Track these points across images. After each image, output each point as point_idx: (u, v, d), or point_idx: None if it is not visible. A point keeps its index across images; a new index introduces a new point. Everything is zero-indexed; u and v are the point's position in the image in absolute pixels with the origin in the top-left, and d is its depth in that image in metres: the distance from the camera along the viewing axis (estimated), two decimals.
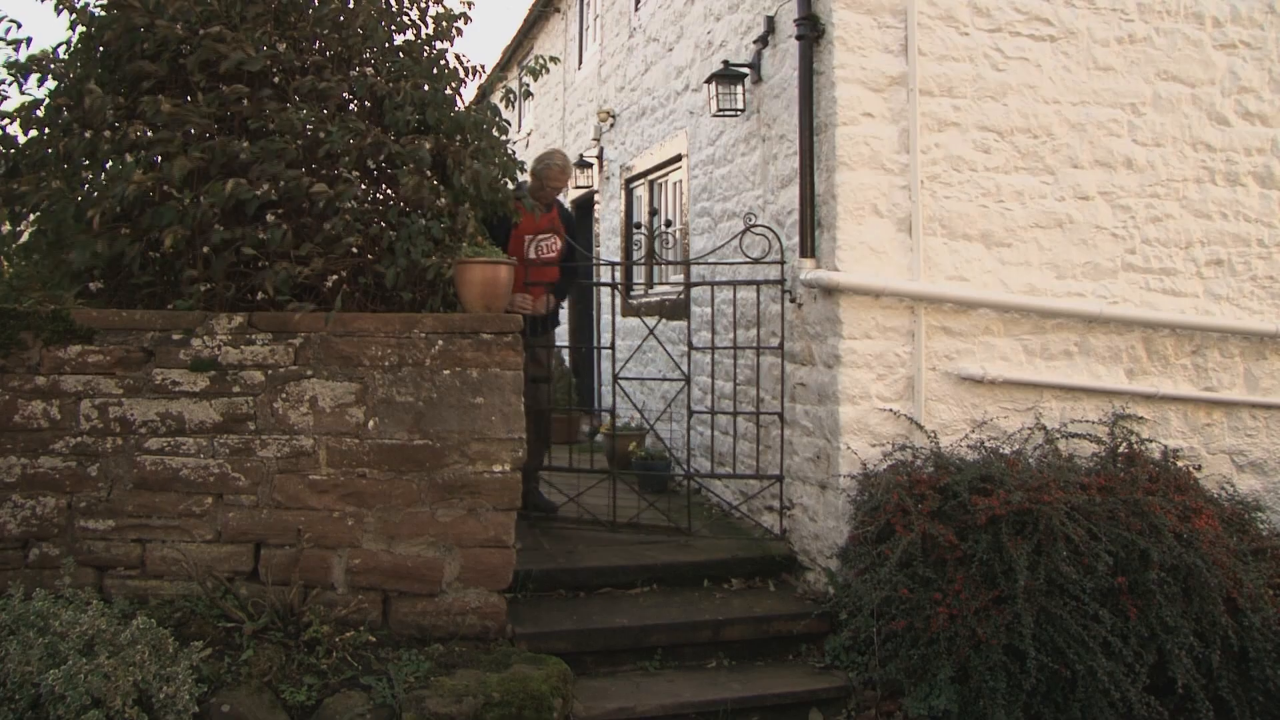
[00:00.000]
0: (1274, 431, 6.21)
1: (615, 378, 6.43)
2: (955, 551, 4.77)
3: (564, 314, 11.73)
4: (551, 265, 6.58)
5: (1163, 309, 5.97)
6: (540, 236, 6.50)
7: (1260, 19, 6.32)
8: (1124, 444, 5.53)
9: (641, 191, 9.60)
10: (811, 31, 5.74)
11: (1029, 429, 5.60)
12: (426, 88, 5.51)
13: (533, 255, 6.44)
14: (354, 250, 5.01)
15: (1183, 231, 6.08)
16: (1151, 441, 5.63)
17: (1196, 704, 4.61)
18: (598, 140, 10.83)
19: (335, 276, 4.96)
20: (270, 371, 4.69)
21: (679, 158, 8.24)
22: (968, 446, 5.44)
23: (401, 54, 5.68)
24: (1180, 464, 5.59)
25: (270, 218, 4.83)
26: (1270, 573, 5.09)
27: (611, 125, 10.40)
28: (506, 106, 6.40)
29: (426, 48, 5.80)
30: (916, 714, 4.69)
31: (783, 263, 6.01)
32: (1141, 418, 5.78)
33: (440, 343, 4.78)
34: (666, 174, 8.83)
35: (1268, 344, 6.20)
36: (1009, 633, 4.60)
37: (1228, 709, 4.71)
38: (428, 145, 5.20)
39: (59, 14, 5.04)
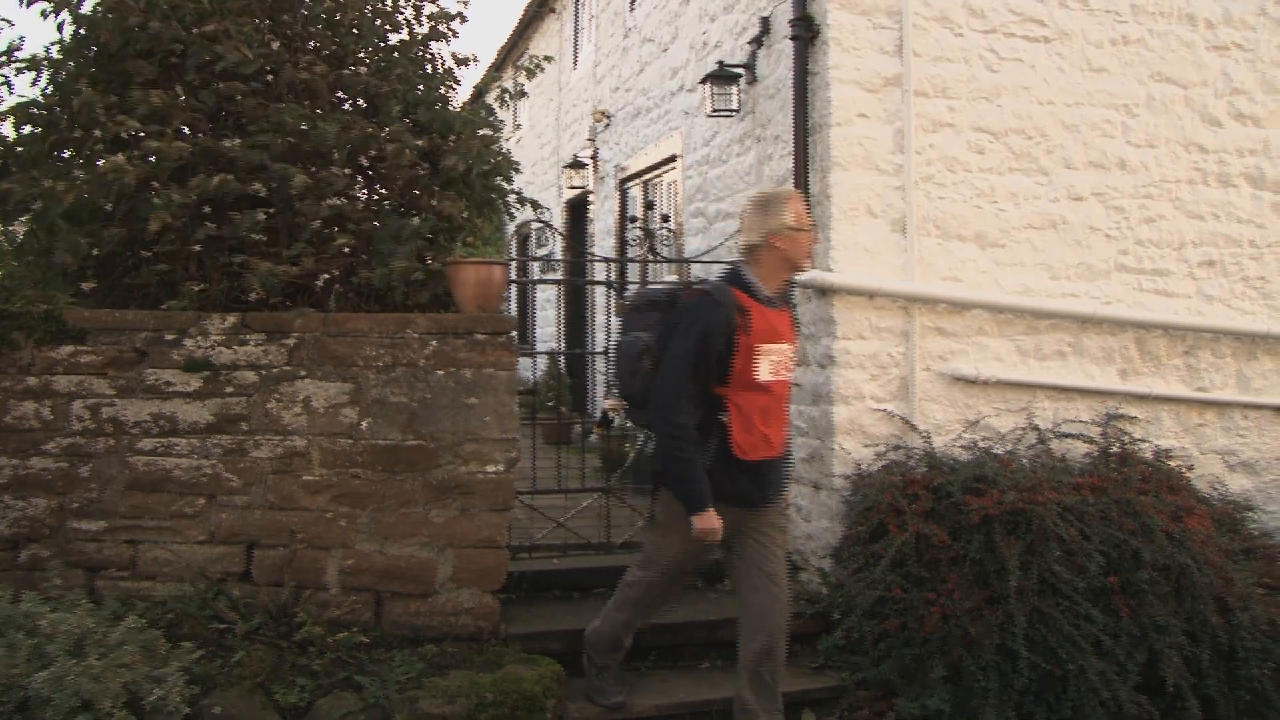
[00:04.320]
0: (1265, 432, 6.23)
1: (610, 382, 6.41)
2: (948, 551, 4.78)
3: (557, 315, 11.80)
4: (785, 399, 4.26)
5: (1155, 309, 5.99)
6: (779, 348, 4.08)
7: (1252, 21, 6.34)
8: (1117, 444, 5.54)
9: (636, 192, 9.60)
10: (806, 32, 5.74)
11: (1022, 429, 5.61)
12: (421, 89, 5.51)
13: (768, 377, 4.02)
14: (346, 250, 5.00)
15: (1175, 232, 6.09)
16: (1144, 442, 5.63)
17: (1186, 703, 4.61)
18: (592, 140, 10.84)
19: (328, 276, 4.95)
20: (264, 372, 4.69)
21: (674, 158, 8.24)
22: (961, 447, 5.44)
23: (396, 53, 5.68)
24: (1172, 464, 5.60)
25: (262, 216, 4.82)
26: (1260, 572, 5.11)
27: (606, 125, 10.40)
28: (501, 106, 6.39)
29: (420, 47, 5.81)
30: (909, 713, 4.69)
31: None
32: (1134, 418, 5.79)
33: (434, 343, 4.78)
34: (661, 174, 8.83)
35: (1259, 344, 6.22)
36: (1001, 632, 4.60)
37: (1215, 708, 4.71)
38: (419, 143, 5.19)
39: (45, 18, 5.02)
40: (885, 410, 5.51)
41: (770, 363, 4.01)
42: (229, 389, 4.67)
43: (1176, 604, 4.76)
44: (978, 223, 5.72)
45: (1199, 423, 6.07)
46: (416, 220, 5.02)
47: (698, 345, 3.94)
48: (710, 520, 3.98)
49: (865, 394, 5.50)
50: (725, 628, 5.18)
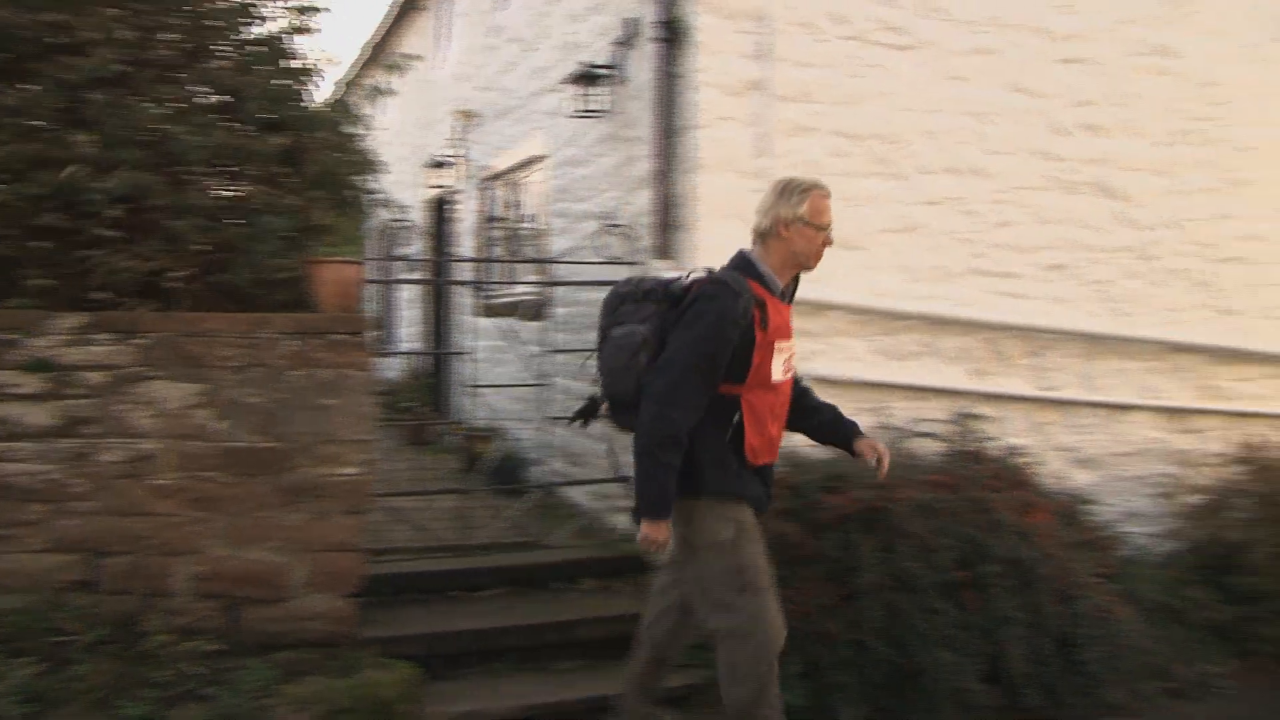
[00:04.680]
0: (1106, 429, 6.50)
1: (471, 381, 6.38)
2: (806, 549, 4.85)
3: (418, 314, 11.69)
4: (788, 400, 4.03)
5: (1007, 311, 6.18)
6: (790, 345, 3.84)
7: (1101, 37, 6.58)
8: (968, 442, 5.69)
9: (501, 191, 9.54)
10: (672, 35, 5.78)
11: (879, 428, 5.72)
12: (283, 84, 5.40)
13: (780, 377, 3.77)
14: (204, 248, 4.88)
15: (1027, 237, 6.30)
16: (995, 439, 5.79)
17: (1028, 690, 4.79)
18: (458, 139, 10.73)
19: (184, 274, 4.82)
20: (113, 373, 4.53)
21: (539, 158, 8.21)
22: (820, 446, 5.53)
23: (257, 47, 5.55)
24: (1021, 461, 5.76)
25: (116, 212, 4.67)
26: (1097, 561, 5.33)
27: (472, 124, 10.31)
28: (368, 104, 6.30)
29: (281, 41, 5.68)
30: None
31: (641, 264, 6.04)
32: (986, 416, 5.93)
33: (291, 343, 4.68)
34: (526, 174, 8.79)
35: (1102, 345, 6.47)
36: (857, 628, 4.70)
37: (1056, 693, 4.89)
38: (280, 141, 5.09)
39: None
40: None
41: (782, 361, 3.73)
42: (75, 391, 4.50)
43: (1022, 596, 4.90)
44: (839, 225, 5.70)
45: (1046, 421, 6.30)
46: (277, 219, 4.92)
47: (714, 338, 3.53)
48: (661, 532, 3.59)
49: None
50: (584, 627, 5.21)
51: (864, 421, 5.68)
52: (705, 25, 5.67)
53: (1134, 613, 5.29)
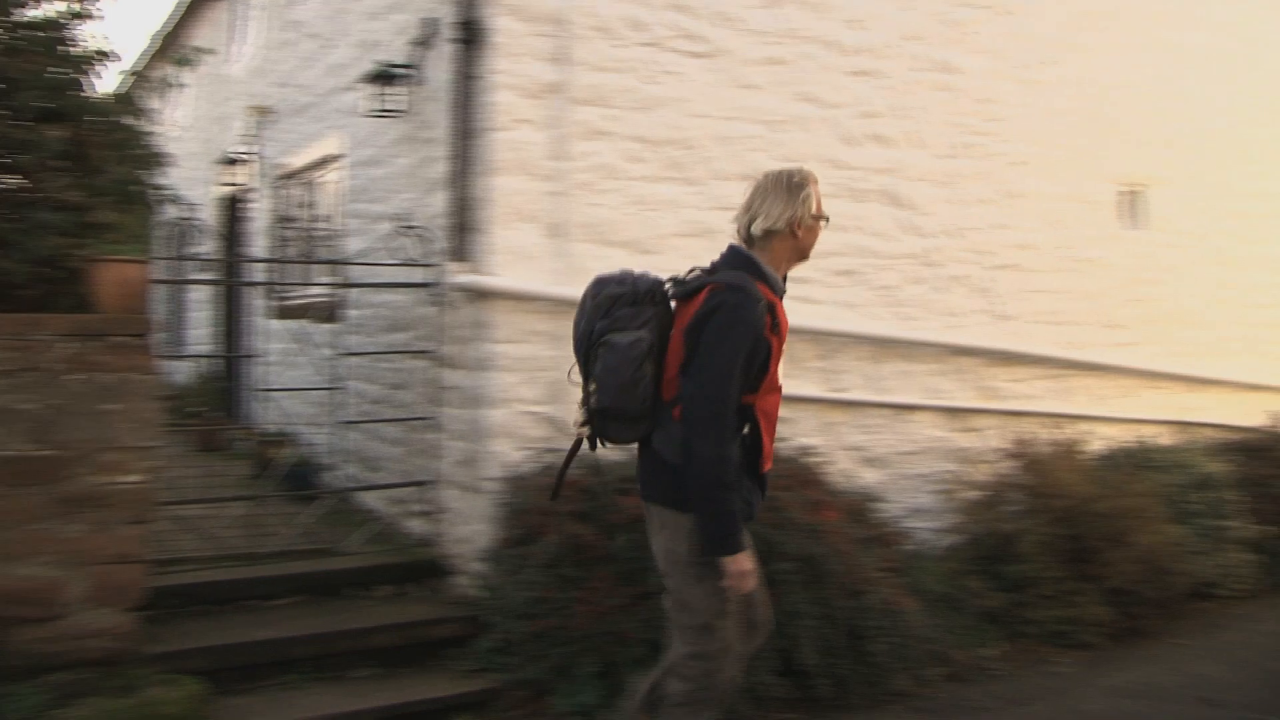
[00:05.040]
0: (892, 429, 6.77)
1: (263, 385, 6.20)
2: (599, 550, 4.89)
3: (209, 316, 11.30)
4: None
5: (798, 315, 6.32)
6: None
7: (887, 51, 6.85)
8: None
9: (296, 190, 9.30)
10: (470, 36, 5.73)
11: None
12: (61, 71, 5.13)
13: (781, 379, 3.71)
14: None
15: (819, 243, 6.45)
16: (787, 440, 5.94)
17: (820, 682, 4.95)
18: (252, 136, 10.40)
19: None
20: None
21: (335, 157, 8.04)
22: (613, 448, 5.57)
23: (32, 31, 5.26)
24: (812, 460, 5.93)
25: None
26: (884, 556, 5.54)
27: (266, 121, 10.01)
28: (157, 97, 6.06)
29: (60, 26, 5.40)
30: (563, 710, 4.77)
31: (436, 266, 5.98)
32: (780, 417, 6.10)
33: (68, 346, 4.46)
34: (322, 173, 8.59)
35: (888, 348, 6.73)
36: (651, 627, 4.74)
37: (847, 683, 5.06)
38: (58, 133, 4.85)
39: None
40: (540, 413, 5.59)
41: (783, 362, 3.58)
42: None
43: (812, 591, 5.04)
44: (633, 229, 5.89)
45: (835, 421, 6.50)
46: (53, 214, 4.69)
47: (745, 351, 3.35)
48: (746, 561, 3.40)
49: (520, 397, 5.56)
50: (379, 634, 5.13)
51: None
52: (504, 27, 5.65)
53: (918, 604, 5.52)
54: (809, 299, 6.40)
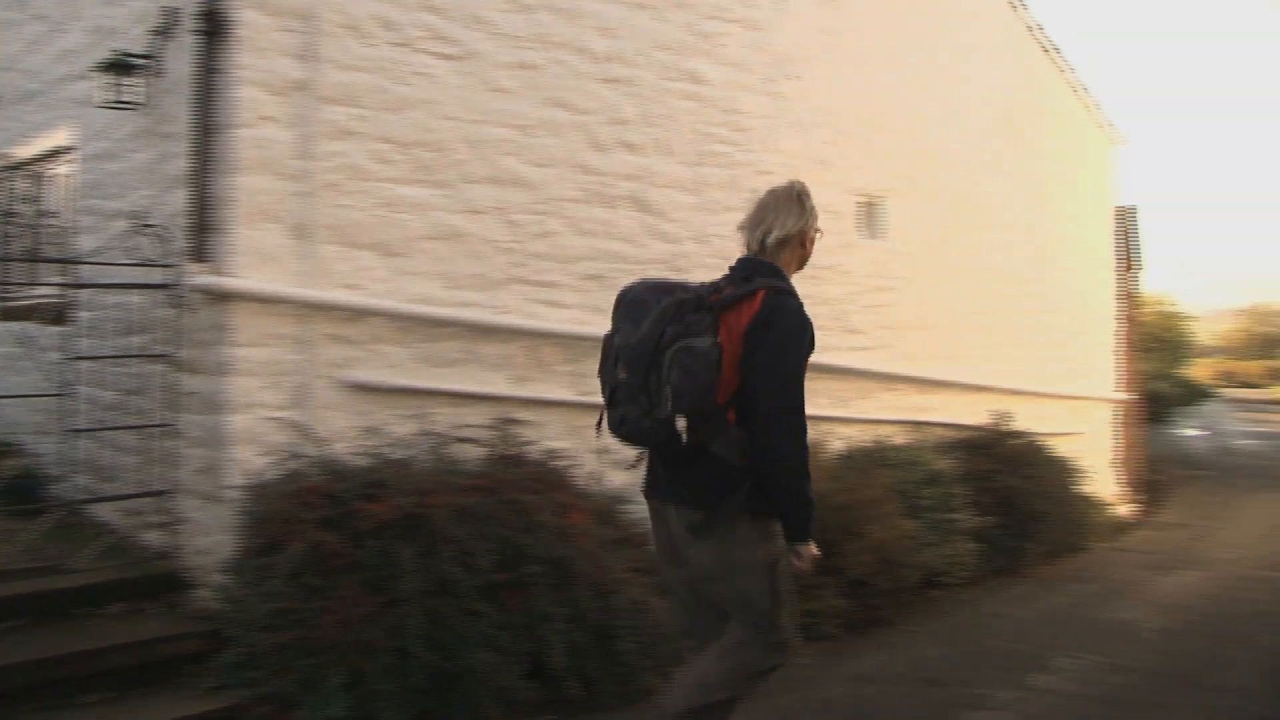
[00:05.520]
0: None
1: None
2: (346, 558, 4.79)
3: None
4: None
5: (546, 319, 6.41)
6: None
7: (638, 60, 6.99)
8: (508, 447, 5.83)
9: (21, 183, 8.73)
10: (213, 28, 5.51)
11: (420, 435, 5.75)
12: None
13: None
14: None
15: (566, 248, 6.57)
16: (534, 443, 5.96)
17: (570, 683, 4.98)
18: None
19: None
20: None
21: (66, 149, 7.58)
22: (360, 454, 5.47)
23: None
24: (560, 463, 5.96)
25: None
26: (632, 557, 5.62)
27: None
28: None
29: None
30: None
31: (175, 267, 5.73)
32: (526, 421, 6.11)
33: None
34: (51, 166, 8.10)
35: None
36: (398, 635, 4.69)
37: (595, 684, 5.12)
38: None
39: None
40: (283, 419, 5.43)
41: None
42: None
43: (561, 593, 5.09)
44: (380, 232, 5.81)
45: (584, 424, 6.55)
46: None
47: (808, 355, 3.57)
48: (815, 547, 3.65)
49: (262, 402, 5.39)
50: (112, 655, 4.86)
51: (405, 429, 5.76)
52: (248, 21, 5.46)
53: (666, 603, 5.64)
54: (558, 303, 6.48)
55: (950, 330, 9.93)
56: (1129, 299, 15.36)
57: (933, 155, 9.95)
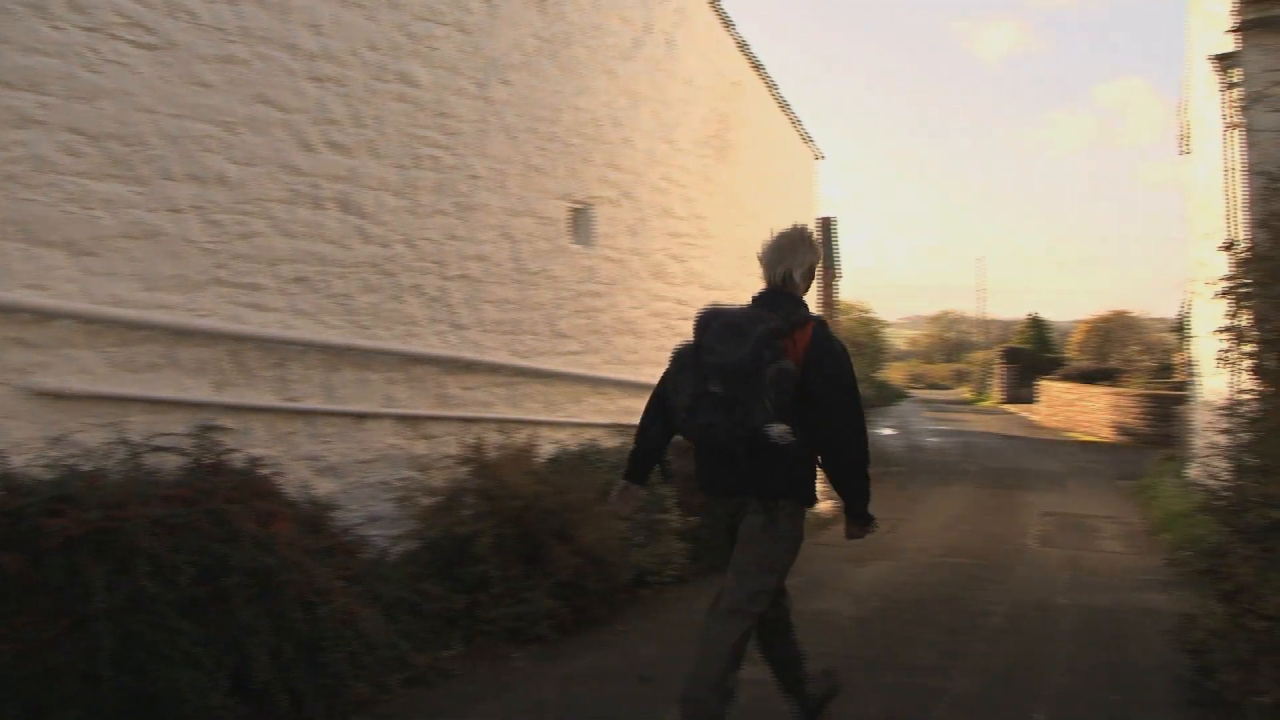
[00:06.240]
0: (348, 437, 6.81)
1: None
2: (26, 579, 4.47)
3: None
4: None
5: (250, 323, 6.21)
6: None
7: (348, 59, 6.87)
8: (209, 455, 5.60)
9: None
10: None
11: (113, 444, 5.44)
12: None
13: None
14: None
15: (271, 249, 6.38)
16: (237, 451, 5.73)
17: (276, 697, 4.85)
18: None
19: None
20: None
21: None
22: (44, 466, 5.11)
23: None
24: (263, 471, 5.79)
25: None
26: (341, 566, 5.56)
27: None
28: None
29: None
30: None
31: None
32: (228, 428, 5.88)
33: None
34: None
35: (343, 356, 6.78)
36: (89, 659, 4.43)
37: (303, 697, 5.01)
38: None
39: None
40: None
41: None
42: None
43: (264, 605, 4.95)
44: (69, 229, 5.46)
45: (289, 431, 6.42)
46: None
47: None
48: None
49: None
50: None
51: (98, 437, 5.46)
52: None
53: (376, 611, 5.59)
54: (261, 306, 6.28)
55: (657, 335, 10.24)
56: (831, 306, 16.29)
57: (643, 164, 10.24)
